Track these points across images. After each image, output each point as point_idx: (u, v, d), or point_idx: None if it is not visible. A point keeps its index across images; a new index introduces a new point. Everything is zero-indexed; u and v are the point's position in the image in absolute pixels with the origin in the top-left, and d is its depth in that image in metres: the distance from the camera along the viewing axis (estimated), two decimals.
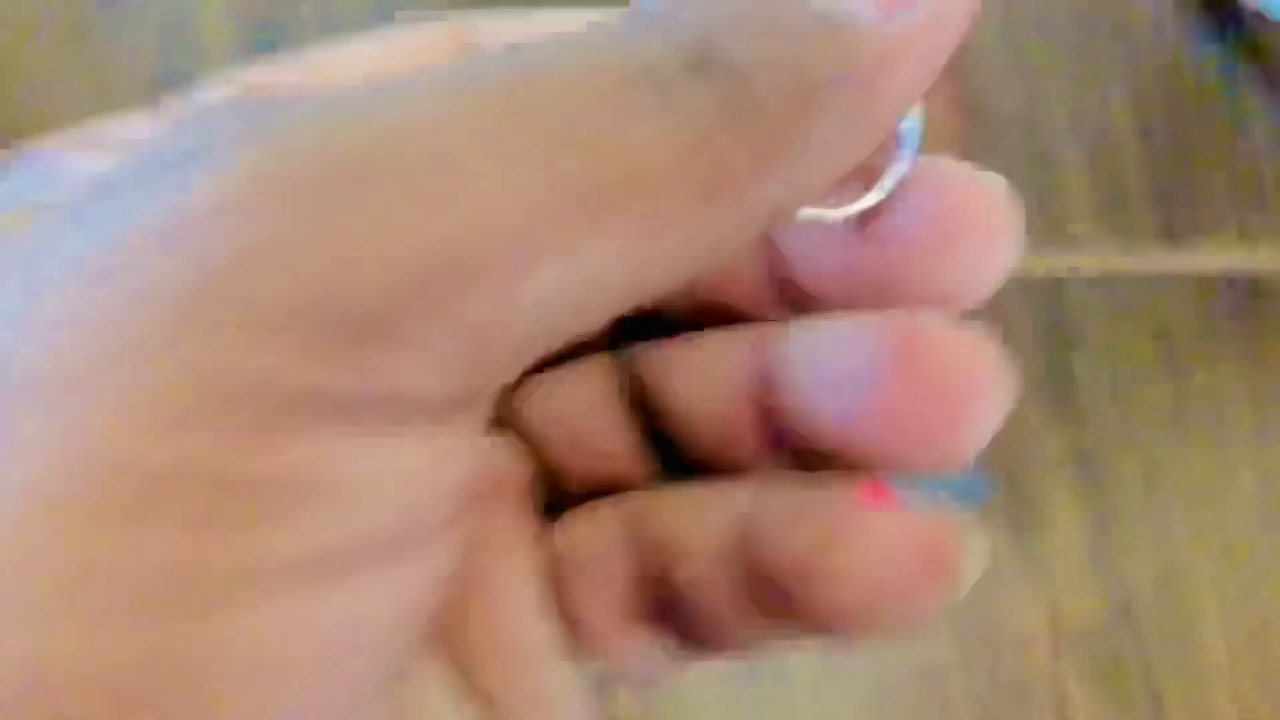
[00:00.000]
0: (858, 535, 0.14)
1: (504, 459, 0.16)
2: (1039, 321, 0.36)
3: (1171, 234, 0.37)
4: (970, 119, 0.38)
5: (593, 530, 0.16)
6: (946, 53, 0.12)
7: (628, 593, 0.16)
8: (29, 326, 0.10)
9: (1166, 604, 0.33)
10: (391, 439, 0.11)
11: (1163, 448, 0.35)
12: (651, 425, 0.17)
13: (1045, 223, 0.37)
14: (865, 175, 0.14)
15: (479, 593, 0.15)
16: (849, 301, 0.15)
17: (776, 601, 0.14)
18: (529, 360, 0.12)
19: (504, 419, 0.16)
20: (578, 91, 0.11)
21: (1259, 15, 0.40)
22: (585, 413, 0.16)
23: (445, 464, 0.12)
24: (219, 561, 0.10)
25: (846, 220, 0.15)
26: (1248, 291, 0.37)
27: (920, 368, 0.14)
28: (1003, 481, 0.34)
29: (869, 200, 0.14)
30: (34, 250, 0.11)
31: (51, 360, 0.10)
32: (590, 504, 0.16)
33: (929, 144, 0.15)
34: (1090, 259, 0.37)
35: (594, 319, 0.12)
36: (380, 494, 0.11)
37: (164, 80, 0.35)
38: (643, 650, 0.16)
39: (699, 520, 0.15)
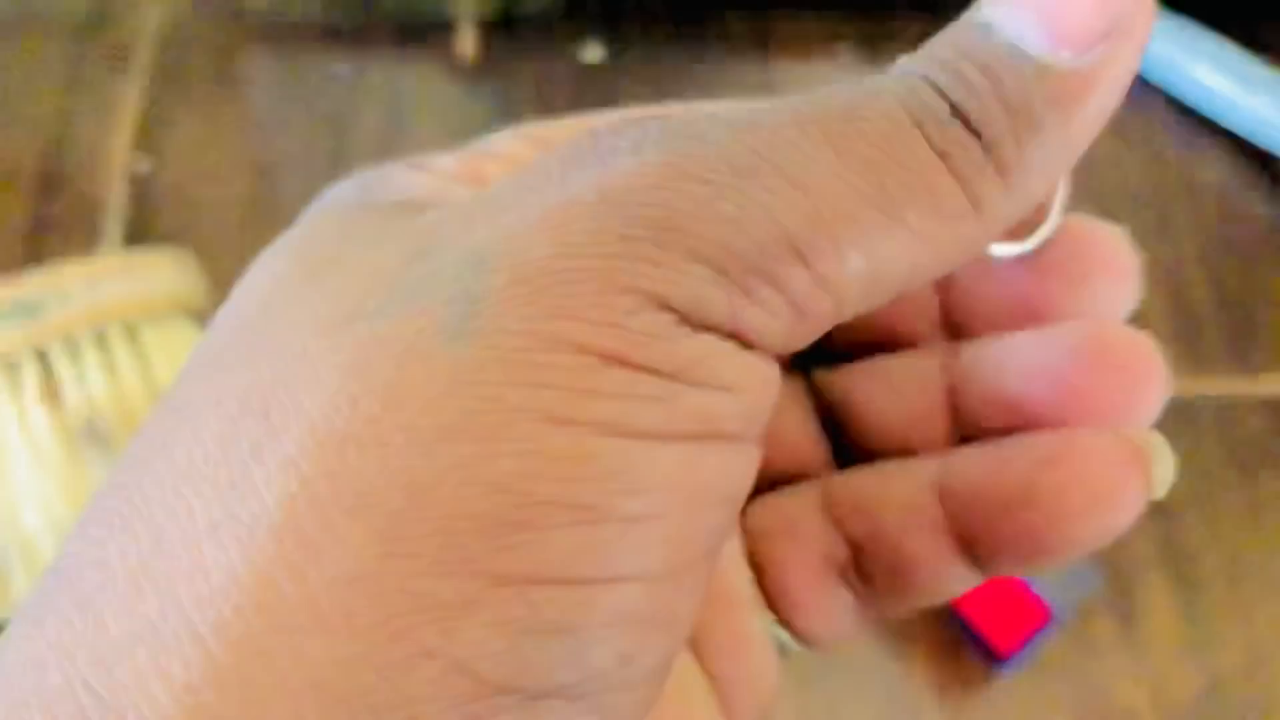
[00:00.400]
0: (1080, 452, 0.16)
1: None
2: None
3: (1244, 362, 0.43)
4: None
5: (789, 503, 0.19)
6: (1128, 81, 0.15)
7: (823, 555, 0.18)
8: (521, 244, 0.14)
9: (1252, 684, 0.38)
10: (751, 355, 0.14)
11: (1243, 546, 0.40)
12: (837, 435, 0.19)
13: None
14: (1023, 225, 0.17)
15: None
16: (1005, 325, 0.18)
17: (983, 536, 0.17)
18: (826, 328, 0.15)
19: None
20: (885, 124, 0.14)
21: None
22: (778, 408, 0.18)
23: (771, 386, 0.15)
24: (627, 416, 0.13)
25: (1016, 255, 0.18)
26: None
27: (1112, 357, 0.17)
28: (1104, 576, 0.39)
29: (1039, 238, 0.17)
30: (504, 205, 0.14)
31: (538, 266, 0.13)
32: (780, 489, 0.19)
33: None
34: (1173, 383, 0.42)
35: (875, 301, 0.15)
36: (742, 391, 0.14)
37: None
38: (833, 609, 0.18)
39: (896, 481, 0.18)
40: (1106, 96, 0.15)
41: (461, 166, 0.18)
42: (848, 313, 0.14)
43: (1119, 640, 0.38)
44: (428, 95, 0.47)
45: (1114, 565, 0.39)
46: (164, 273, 0.38)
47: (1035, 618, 0.36)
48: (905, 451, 0.19)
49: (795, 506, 0.19)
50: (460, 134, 0.46)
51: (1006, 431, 0.18)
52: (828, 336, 0.17)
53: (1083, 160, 0.46)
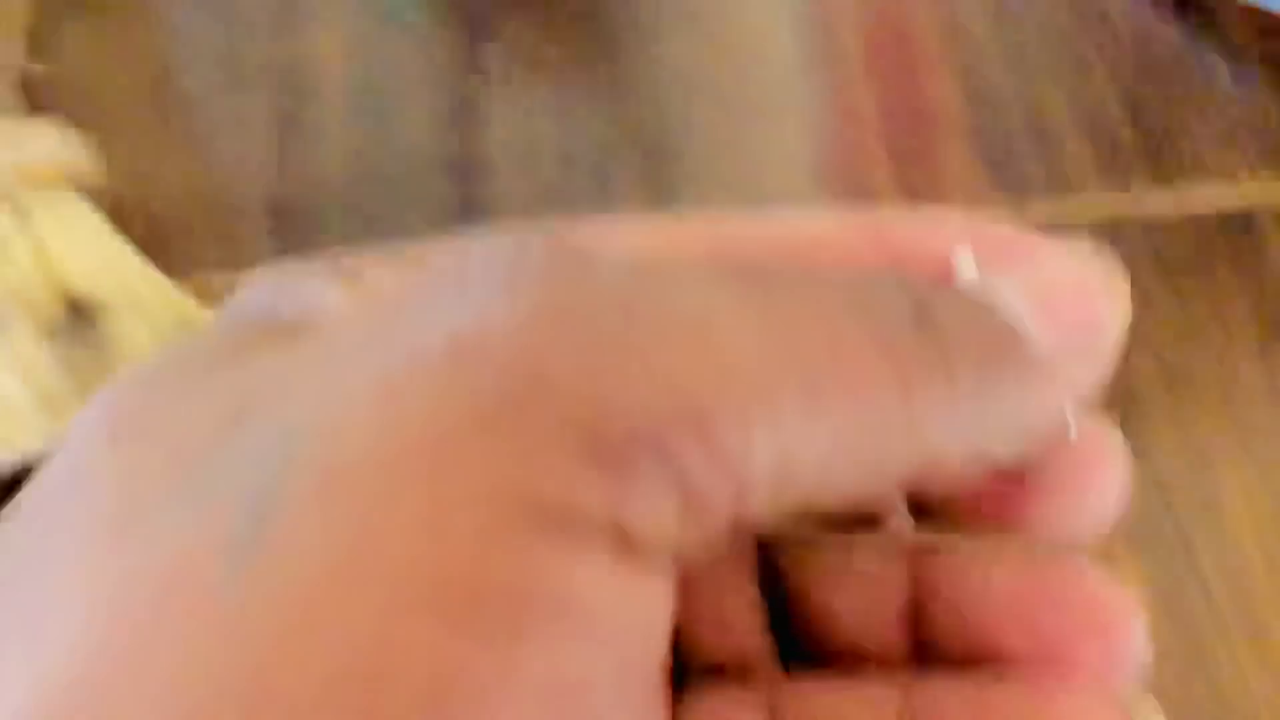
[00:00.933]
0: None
1: None
2: None
3: (1165, 182, 0.43)
4: (978, 105, 0.44)
5: (733, 712, 0.16)
6: (1110, 362, 0.14)
7: None
8: (338, 425, 0.11)
9: (1197, 488, 0.38)
10: (632, 567, 0.11)
11: (1181, 362, 0.40)
12: (783, 612, 0.17)
13: (1050, 181, 0.43)
14: None
15: None
16: (980, 523, 0.16)
17: None
18: (724, 532, 0.12)
19: None
20: (827, 291, 0.13)
21: None
22: (722, 588, 0.16)
23: (658, 621, 0.12)
24: (478, 668, 0.10)
25: None
26: (1237, 226, 0.42)
27: (1089, 613, 0.15)
28: None
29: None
30: (339, 358, 0.12)
31: (353, 458, 0.11)
32: (718, 682, 0.16)
33: None
34: (1095, 210, 0.42)
35: (781, 505, 0.12)
36: (615, 634, 0.11)
37: None
38: None
39: (855, 713, 0.15)
40: (1066, 385, 0.14)
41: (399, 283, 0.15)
42: (751, 510, 0.12)
43: None
44: None
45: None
46: (49, 142, 0.37)
47: None
48: (856, 654, 0.16)
49: (740, 714, 0.16)
50: (358, 19, 0.46)
51: (971, 656, 0.16)
52: None
53: (994, 5, 0.46)
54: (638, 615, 0.12)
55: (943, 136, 0.44)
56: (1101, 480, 0.15)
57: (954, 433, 0.13)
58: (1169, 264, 0.41)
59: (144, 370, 0.14)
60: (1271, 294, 0.41)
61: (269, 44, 0.45)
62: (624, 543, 0.11)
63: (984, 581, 0.15)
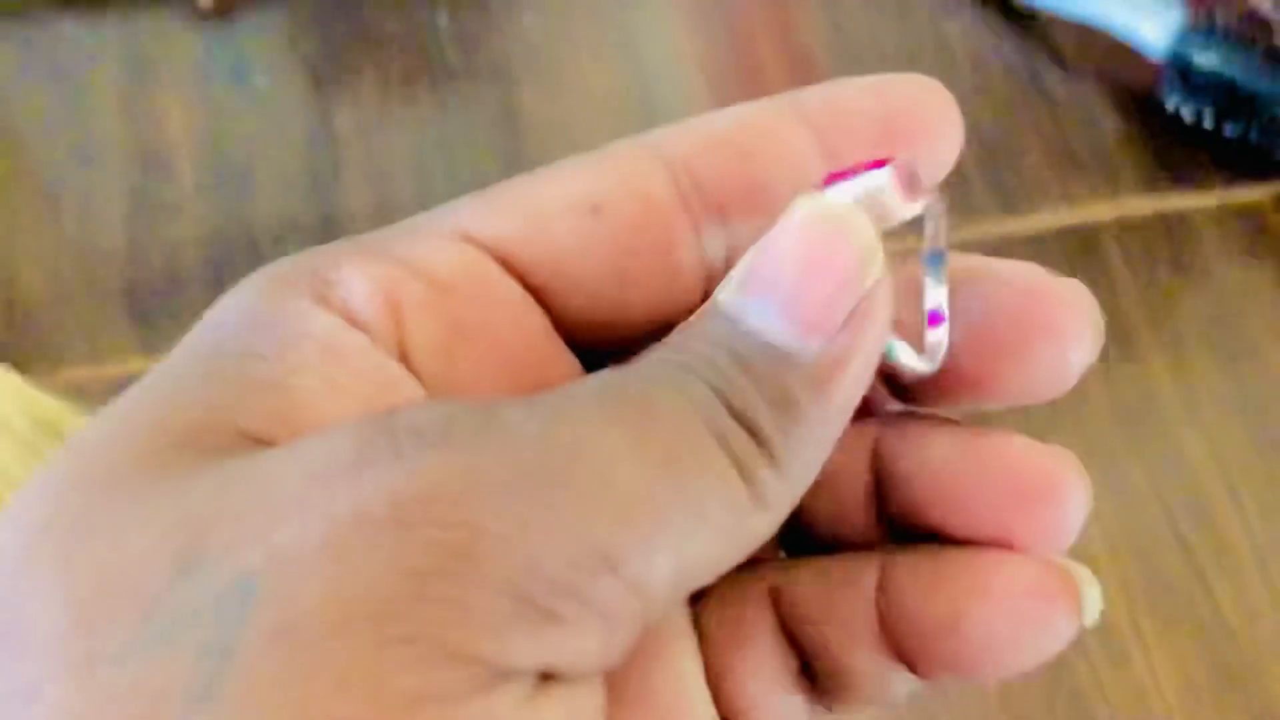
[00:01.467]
0: (1005, 584, 0.16)
1: None
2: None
3: (1006, 203, 0.44)
4: None
5: (740, 606, 0.18)
6: (880, 347, 0.15)
7: (776, 662, 0.17)
8: (291, 583, 0.12)
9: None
10: (560, 692, 0.13)
11: None
12: None
13: None
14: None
15: (648, 676, 0.16)
16: (943, 398, 0.17)
17: (920, 657, 0.16)
18: (636, 636, 0.14)
19: None
20: (678, 417, 0.14)
21: (1039, 15, 0.47)
22: None
23: (596, 703, 0.14)
24: None
25: (921, 374, 0.16)
26: (1077, 243, 0.44)
27: (1036, 489, 0.16)
28: None
29: (937, 359, 0.16)
30: (287, 501, 0.13)
31: (304, 618, 0.12)
32: (729, 578, 0.17)
33: None
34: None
35: (678, 600, 0.15)
36: None
37: None
38: (787, 712, 0.18)
39: (838, 594, 0.17)
40: (861, 369, 0.15)
41: (377, 296, 0.15)
42: (655, 616, 0.14)
43: None
44: (168, 47, 0.46)
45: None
46: None
47: None
48: (836, 534, 0.18)
49: (747, 612, 0.18)
50: (208, 87, 0.45)
51: (928, 530, 0.17)
52: None
53: (833, 25, 0.47)
54: None
55: None
56: (1054, 337, 0.16)
57: (788, 486, 0.15)
58: None
59: (89, 466, 0.14)
60: (1113, 312, 0.43)
61: (117, 117, 0.44)
62: (550, 678, 0.13)
63: (933, 458, 0.17)
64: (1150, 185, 0.45)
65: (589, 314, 0.17)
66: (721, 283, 0.15)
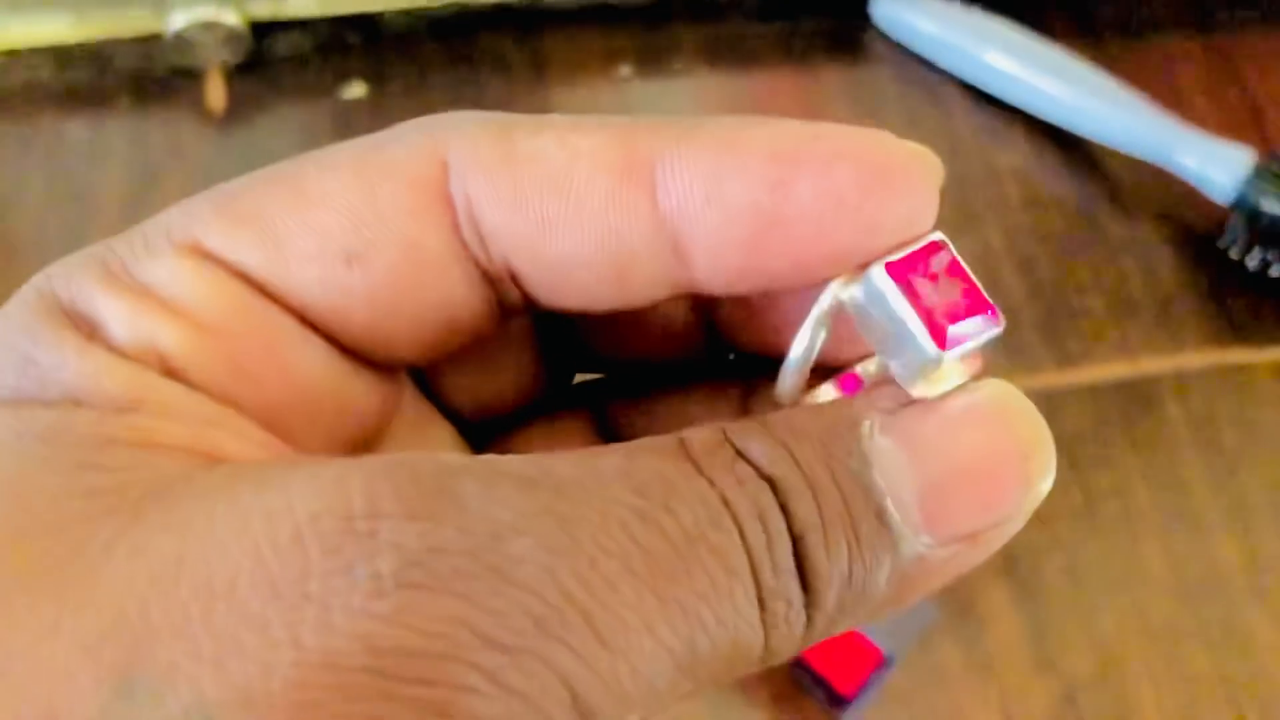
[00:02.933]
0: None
1: None
2: None
3: (1061, 352, 0.42)
4: None
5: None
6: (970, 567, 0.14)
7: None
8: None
9: (1106, 690, 0.37)
10: None
11: (1081, 545, 0.38)
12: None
13: None
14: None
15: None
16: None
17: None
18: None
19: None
20: (703, 571, 0.12)
21: (1111, 153, 0.45)
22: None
23: None
24: None
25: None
26: (1134, 396, 0.41)
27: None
28: (942, 596, 0.37)
29: (943, 387, 0.14)
30: (227, 633, 0.11)
31: None
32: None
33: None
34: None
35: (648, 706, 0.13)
36: None
37: None
38: None
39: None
40: (941, 582, 0.13)
41: (145, 350, 0.14)
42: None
43: (966, 663, 0.36)
44: (177, 152, 0.43)
45: (952, 583, 0.37)
46: None
47: (869, 660, 0.33)
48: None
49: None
50: None
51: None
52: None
53: None
54: None
55: None
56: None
57: (798, 645, 0.13)
58: (1066, 435, 0.40)
59: None
60: (1173, 475, 0.40)
61: (119, 223, 0.42)
62: None
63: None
64: (1212, 337, 0.42)
65: (367, 346, 0.15)
66: (866, 391, 0.13)
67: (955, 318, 0.13)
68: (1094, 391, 0.41)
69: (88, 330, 0.14)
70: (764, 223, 0.14)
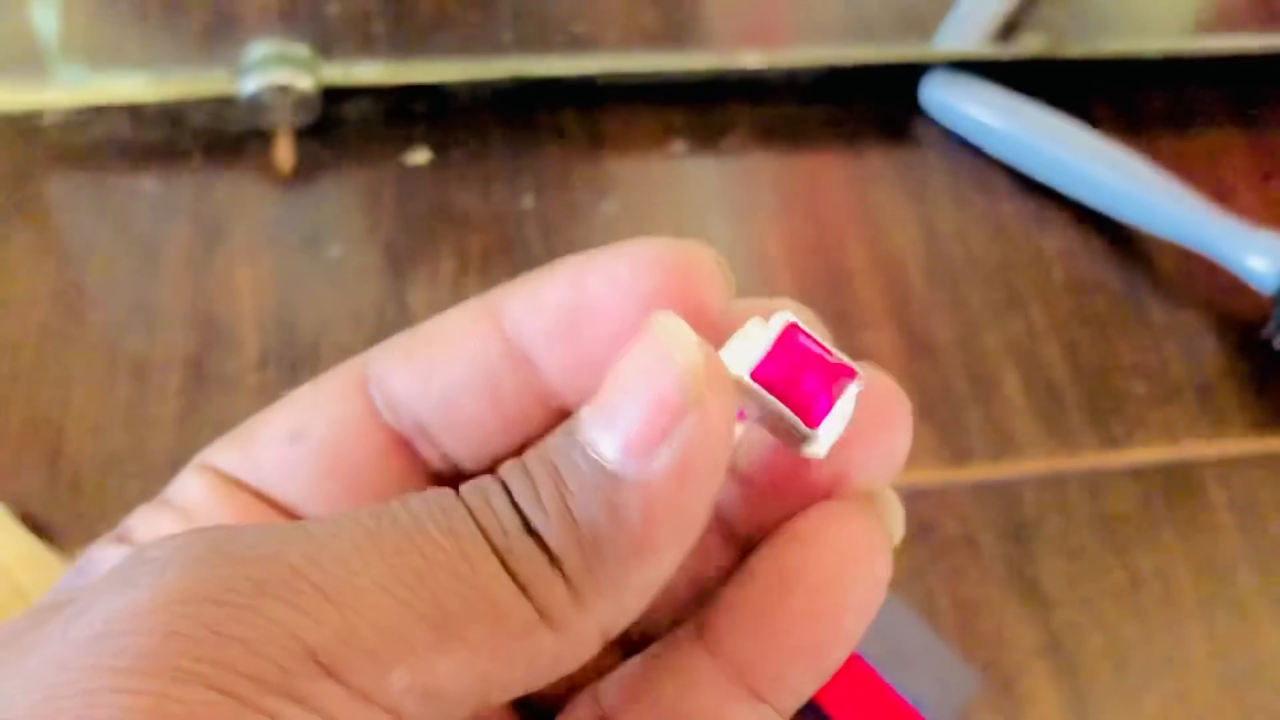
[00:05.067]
0: (812, 526, 0.17)
1: None
2: (996, 521, 0.40)
3: (1105, 434, 0.42)
4: (915, 351, 0.43)
5: None
6: (704, 509, 0.15)
7: None
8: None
9: None
10: None
11: (1123, 627, 0.38)
12: None
13: (991, 432, 0.42)
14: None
15: None
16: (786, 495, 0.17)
17: (759, 653, 0.17)
18: None
19: None
20: (449, 539, 0.14)
21: (1156, 240, 0.46)
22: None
23: None
24: None
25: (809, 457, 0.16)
26: (1177, 480, 0.41)
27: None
28: (984, 672, 0.37)
29: (825, 445, 0.16)
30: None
31: None
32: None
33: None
34: (1037, 462, 0.41)
35: (457, 712, 0.14)
36: None
37: None
38: None
39: (664, 661, 0.17)
40: (682, 510, 0.15)
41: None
42: None
43: None
44: (243, 210, 0.44)
45: (994, 659, 0.37)
46: None
47: None
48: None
49: None
50: (278, 248, 0.44)
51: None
52: None
53: (928, 237, 0.46)
54: None
55: None
56: (890, 424, 0.17)
57: (591, 612, 0.15)
58: (1109, 517, 0.40)
59: None
60: (1217, 561, 0.40)
61: (184, 279, 0.43)
62: None
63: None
64: (1256, 425, 0.42)
65: (315, 512, 0.18)
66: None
67: (820, 395, 0.16)
68: (1137, 474, 0.41)
69: (126, 539, 0.18)
70: (571, 313, 0.17)
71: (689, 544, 0.15)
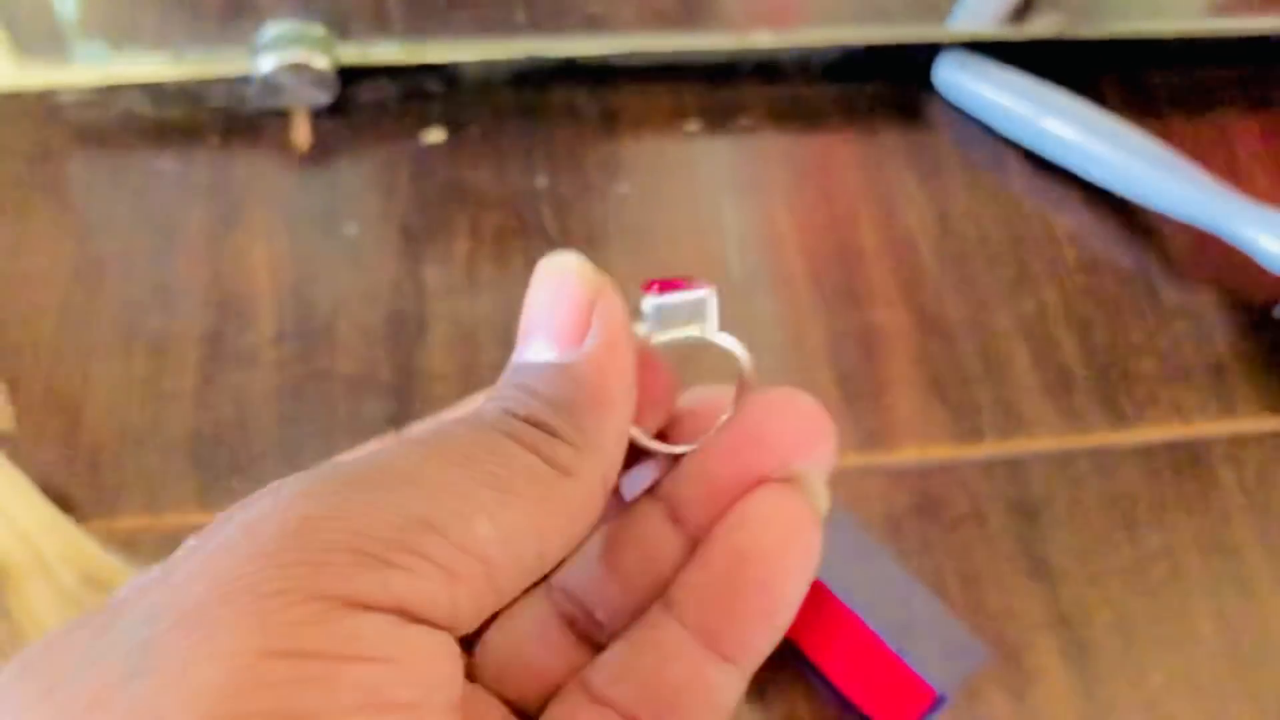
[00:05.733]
0: (754, 508, 0.20)
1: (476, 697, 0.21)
2: (1006, 498, 0.40)
3: (1115, 412, 0.42)
4: (927, 329, 0.44)
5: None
6: (629, 353, 0.19)
7: None
8: (178, 592, 0.16)
9: None
10: (415, 628, 0.16)
11: (1131, 603, 0.39)
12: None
13: (1002, 410, 0.42)
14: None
15: None
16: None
17: (724, 621, 0.20)
18: (486, 594, 0.17)
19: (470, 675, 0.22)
20: (482, 436, 0.18)
21: (1168, 220, 0.46)
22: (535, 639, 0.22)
23: (442, 657, 0.17)
24: (308, 699, 0.15)
25: (675, 453, 0.21)
26: (1187, 459, 0.41)
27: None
28: (992, 647, 0.37)
29: (691, 445, 0.21)
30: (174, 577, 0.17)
31: (196, 604, 0.15)
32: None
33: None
34: (1047, 440, 0.41)
35: (523, 564, 0.18)
36: (405, 662, 0.16)
37: None
38: None
39: (642, 647, 0.20)
40: (618, 362, 0.19)
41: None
42: (499, 576, 0.17)
43: (1014, 714, 0.36)
44: (260, 188, 0.45)
45: (1002, 633, 0.38)
46: None
47: (921, 699, 0.34)
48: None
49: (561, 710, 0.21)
50: (295, 225, 0.44)
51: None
52: None
53: (940, 217, 0.46)
54: (425, 661, 0.16)
55: (893, 363, 0.43)
56: (813, 434, 0.20)
57: (589, 459, 0.19)
58: (1118, 495, 0.41)
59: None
60: (1226, 539, 0.40)
61: (202, 256, 0.43)
62: (406, 614, 0.16)
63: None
64: (1266, 404, 0.43)
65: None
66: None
67: (670, 288, 0.21)
68: (1147, 452, 0.41)
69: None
70: None
71: (632, 397, 0.19)
